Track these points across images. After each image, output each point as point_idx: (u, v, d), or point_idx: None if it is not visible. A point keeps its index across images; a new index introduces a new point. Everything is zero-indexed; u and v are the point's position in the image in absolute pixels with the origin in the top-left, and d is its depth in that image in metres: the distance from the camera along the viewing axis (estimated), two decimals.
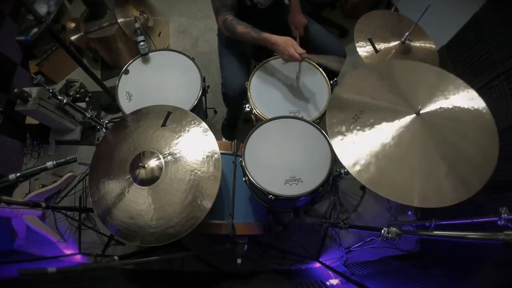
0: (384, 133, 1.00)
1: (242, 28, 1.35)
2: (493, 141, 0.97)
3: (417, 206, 0.89)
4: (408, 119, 1.02)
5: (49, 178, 2.03)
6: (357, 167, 0.94)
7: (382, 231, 0.97)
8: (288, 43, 1.28)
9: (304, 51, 1.28)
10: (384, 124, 1.02)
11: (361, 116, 1.06)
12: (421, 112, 1.02)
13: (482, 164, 0.94)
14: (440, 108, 1.05)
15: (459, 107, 1.04)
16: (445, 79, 1.11)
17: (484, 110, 1.03)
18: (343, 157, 0.97)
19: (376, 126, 1.02)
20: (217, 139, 1.17)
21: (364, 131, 1.01)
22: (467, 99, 1.06)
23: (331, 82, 1.45)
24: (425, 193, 0.90)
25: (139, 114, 1.29)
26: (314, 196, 1.32)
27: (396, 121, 1.02)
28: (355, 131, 1.01)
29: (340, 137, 1.00)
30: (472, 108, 1.04)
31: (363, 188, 1.93)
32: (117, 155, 1.19)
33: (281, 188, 1.18)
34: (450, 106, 1.05)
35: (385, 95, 1.09)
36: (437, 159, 0.95)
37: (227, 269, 1.75)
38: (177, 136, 1.19)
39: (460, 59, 1.68)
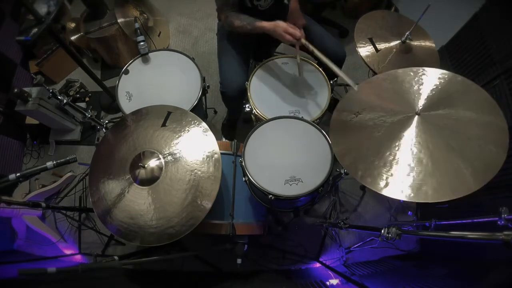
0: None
1: (238, 22, 1.38)
2: (501, 123, 0.95)
3: (431, 201, 0.87)
4: (411, 122, 1.00)
5: (49, 178, 2.03)
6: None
7: (382, 231, 0.97)
8: (278, 29, 1.29)
9: (301, 34, 1.29)
10: (394, 137, 1.00)
11: (362, 113, 1.06)
12: (421, 112, 1.02)
13: (492, 151, 0.91)
14: (438, 102, 1.04)
15: (456, 92, 1.04)
16: (446, 78, 1.11)
17: (482, 92, 1.02)
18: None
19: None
20: (217, 139, 1.17)
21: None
22: (462, 85, 1.05)
23: (331, 82, 1.45)
24: (435, 188, 0.88)
25: (139, 114, 1.29)
26: (314, 196, 1.32)
27: (401, 128, 1.00)
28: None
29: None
30: (469, 93, 1.04)
31: (363, 188, 1.93)
32: (117, 155, 1.19)
33: (281, 188, 1.18)
34: (447, 96, 1.04)
35: (382, 105, 1.09)
36: (444, 153, 0.93)
37: (227, 269, 1.75)
38: (177, 136, 1.19)
39: (460, 59, 1.68)
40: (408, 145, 0.96)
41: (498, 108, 0.97)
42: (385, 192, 0.90)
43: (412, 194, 0.88)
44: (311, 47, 1.32)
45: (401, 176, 0.91)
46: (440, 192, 0.86)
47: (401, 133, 0.99)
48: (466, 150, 0.92)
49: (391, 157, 0.96)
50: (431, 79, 1.08)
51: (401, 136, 0.99)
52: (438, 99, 1.04)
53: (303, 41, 1.30)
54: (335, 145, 1.10)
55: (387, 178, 0.92)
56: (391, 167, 0.94)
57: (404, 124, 1.01)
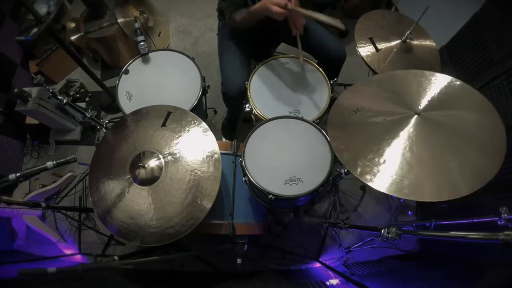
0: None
1: (239, 15, 1.39)
2: (500, 134, 0.95)
3: (429, 200, 0.87)
4: (410, 122, 1.01)
5: (49, 178, 2.03)
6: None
7: (382, 231, 0.97)
8: (265, 2, 1.25)
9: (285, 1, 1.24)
10: (392, 135, 1.00)
11: (361, 110, 1.07)
12: (421, 112, 1.02)
13: (491, 149, 0.92)
14: (437, 102, 1.05)
15: (453, 95, 1.05)
16: (441, 80, 1.12)
17: (485, 104, 1.02)
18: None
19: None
20: (217, 139, 1.17)
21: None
22: (460, 88, 1.07)
23: (331, 82, 1.45)
24: (435, 188, 0.89)
25: (139, 114, 1.29)
26: (314, 196, 1.32)
27: (401, 127, 1.01)
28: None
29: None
30: (466, 94, 1.05)
31: (363, 188, 1.93)
32: (117, 155, 1.19)
33: (281, 188, 1.18)
34: (445, 97, 1.05)
35: (382, 105, 1.09)
36: (444, 152, 0.94)
37: (227, 269, 1.75)
38: (177, 136, 1.19)
39: (460, 59, 1.68)
40: (401, 143, 0.97)
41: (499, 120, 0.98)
42: (372, 185, 0.92)
43: (395, 188, 0.89)
44: (302, 10, 1.28)
45: (388, 171, 0.93)
46: (425, 191, 0.88)
47: (398, 131, 1.00)
48: (463, 154, 0.93)
49: (383, 151, 0.97)
50: (432, 82, 1.09)
51: (397, 134, 0.99)
52: (438, 100, 1.05)
53: (291, 7, 1.25)
54: (333, 140, 1.09)
55: (375, 171, 0.94)
56: (380, 160, 0.95)
57: (402, 123, 1.01)
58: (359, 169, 0.96)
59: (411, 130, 0.99)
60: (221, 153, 1.16)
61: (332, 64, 1.58)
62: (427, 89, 1.08)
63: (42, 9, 2.13)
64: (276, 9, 1.23)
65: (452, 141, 0.96)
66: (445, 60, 1.76)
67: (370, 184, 0.92)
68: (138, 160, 1.15)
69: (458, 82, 1.06)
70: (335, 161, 1.19)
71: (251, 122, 1.57)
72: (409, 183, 0.89)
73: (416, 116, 1.02)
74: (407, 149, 0.95)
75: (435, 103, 1.04)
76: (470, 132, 0.97)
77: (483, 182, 0.86)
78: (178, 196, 1.08)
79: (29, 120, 2.09)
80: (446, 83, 1.07)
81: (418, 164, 0.92)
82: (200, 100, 1.49)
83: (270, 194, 1.16)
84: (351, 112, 1.09)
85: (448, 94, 1.05)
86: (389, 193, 0.90)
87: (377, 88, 1.16)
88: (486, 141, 0.94)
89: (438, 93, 1.06)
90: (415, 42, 1.43)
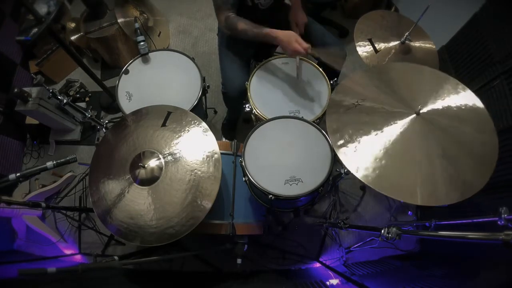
0: (386, 134, 1.00)
1: (243, 24, 1.35)
2: (492, 138, 0.98)
3: (420, 204, 0.88)
4: (408, 119, 1.02)
5: (49, 178, 2.03)
6: (361, 172, 0.93)
7: (382, 231, 0.97)
8: (291, 38, 1.27)
9: (308, 45, 1.27)
10: (385, 125, 1.01)
11: (362, 103, 1.08)
12: (421, 112, 1.02)
13: (483, 162, 0.94)
14: (439, 107, 1.05)
15: (457, 105, 1.05)
16: (442, 79, 1.13)
17: (481, 109, 1.04)
18: (347, 162, 0.96)
19: (377, 128, 1.01)
20: (217, 139, 1.17)
21: (366, 135, 1.00)
22: (464, 98, 1.07)
23: (331, 82, 1.45)
24: (428, 192, 0.90)
25: (139, 114, 1.29)
26: (314, 196, 1.32)
27: (397, 122, 1.02)
28: (357, 137, 1.00)
29: (343, 148, 0.99)
30: (470, 107, 1.05)
31: (363, 188, 1.93)
32: (117, 155, 1.19)
33: (281, 188, 1.18)
34: (448, 105, 1.06)
35: (384, 97, 1.09)
36: (438, 158, 0.95)
37: (227, 269, 1.75)
38: (177, 136, 1.19)
39: (460, 59, 1.68)
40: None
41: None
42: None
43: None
44: (316, 54, 1.33)
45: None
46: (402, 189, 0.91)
47: (394, 119, 1.02)
48: (455, 161, 0.94)
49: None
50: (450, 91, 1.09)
51: (389, 126, 1.01)
52: (444, 106, 1.05)
53: (310, 51, 1.29)
54: (331, 134, 1.08)
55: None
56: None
57: (398, 119, 1.02)
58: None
59: (404, 127, 1.00)
60: (221, 153, 1.15)
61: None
62: (442, 96, 1.08)
63: (42, 9, 2.13)
64: (297, 47, 1.25)
65: (446, 146, 0.97)
66: (445, 60, 1.76)
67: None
68: (138, 160, 1.15)
69: (479, 105, 1.05)
70: (335, 161, 1.19)
71: (251, 122, 1.57)
72: (379, 175, 0.92)
73: (414, 115, 1.02)
74: (391, 142, 0.97)
75: (442, 111, 1.05)
76: (465, 141, 0.98)
77: (470, 192, 0.89)
78: (178, 196, 1.08)
79: (29, 120, 2.09)
80: (467, 102, 1.06)
81: (396, 160, 0.95)
82: (200, 100, 1.49)
83: (270, 194, 1.16)
84: (351, 105, 1.08)
85: (460, 111, 1.05)
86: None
87: (378, 81, 1.16)
88: (479, 152, 0.96)
89: (450, 104, 1.06)
90: (414, 44, 1.43)
